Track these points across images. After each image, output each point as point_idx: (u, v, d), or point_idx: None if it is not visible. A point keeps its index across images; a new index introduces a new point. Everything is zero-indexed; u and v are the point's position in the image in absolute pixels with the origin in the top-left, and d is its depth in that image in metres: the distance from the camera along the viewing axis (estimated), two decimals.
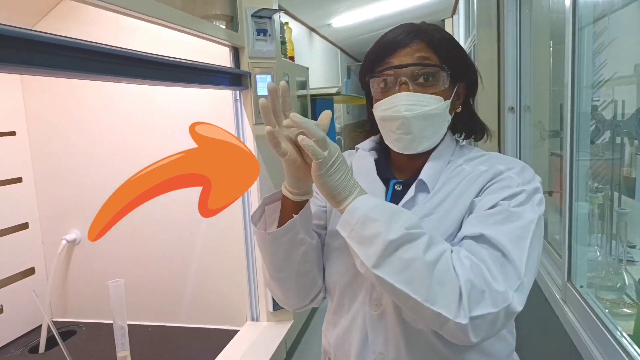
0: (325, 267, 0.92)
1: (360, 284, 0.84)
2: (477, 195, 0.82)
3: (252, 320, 1.54)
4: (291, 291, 0.90)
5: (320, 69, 5.79)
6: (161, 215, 1.61)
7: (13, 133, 1.57)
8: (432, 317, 0.69)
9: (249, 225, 1.53)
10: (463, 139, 0.94)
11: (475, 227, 0.76)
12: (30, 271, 1.63)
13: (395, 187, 0.90)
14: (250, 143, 1.49)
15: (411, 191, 0.86)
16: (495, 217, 0.76)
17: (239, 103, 1.49)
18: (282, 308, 1.52)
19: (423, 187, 0.86)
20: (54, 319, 1.59)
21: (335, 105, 4.83)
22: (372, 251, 0.69)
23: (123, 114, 1.58)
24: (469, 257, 0.71)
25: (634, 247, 1.75)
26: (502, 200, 0.78)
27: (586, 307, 1.41)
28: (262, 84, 1.48)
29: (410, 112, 0.81)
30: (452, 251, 0.73)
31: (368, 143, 1.00)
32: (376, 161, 0.95)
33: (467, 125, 0.93)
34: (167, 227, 1.61)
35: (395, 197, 0.89)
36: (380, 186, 0.90)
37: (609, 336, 1.24)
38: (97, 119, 1.61)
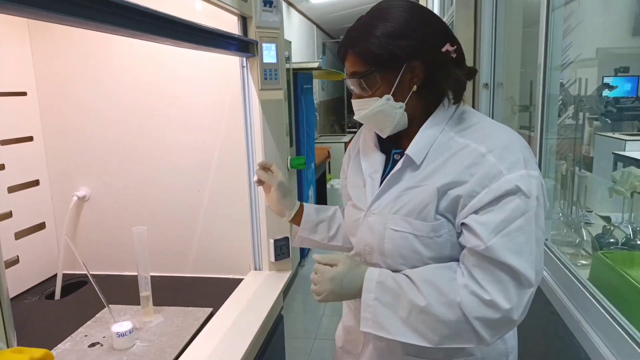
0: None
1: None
2: (454, 179, 0.86)
3: (255, 269, 1.68)
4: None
5: (297, 44, 5.85)
6: (166, 181, 1.70)
7: (24, 93, 1.62)
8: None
9: (253, 188, 1.65)
10: (452, 100, 0.94)
11: (476, 239, 0.82)
12: (41, 226, 1.70)
13: (395, 156, 1.01)
14: (256, 107, 1.59)
15: (398, 165, 0.95)
16: (491, 225, 0.81)
17: (245, 69, 1.59)
18: (284, 259, 1.66)
19: (411, 160, 0.94)
20: (64, 272, 1.66)
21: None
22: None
23: (131, 74, 1.64)
24: (474, 292, 0.81)
25: (590, 211, 1.99)
26: (490, 202, 0.82)
27: (552, 255, 1.62)
28: (267, 52, 1.59)
29: (359, 115, 0.94)
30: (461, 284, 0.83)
31: None
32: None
33: (450, 84, 0.93)
34: (172, 187, 1.70)
35: (395, 165, 0.98)
36: (380, 157, 1.02)
37: (572, 278, 1.44)
38: (105, 78, 1.65)
